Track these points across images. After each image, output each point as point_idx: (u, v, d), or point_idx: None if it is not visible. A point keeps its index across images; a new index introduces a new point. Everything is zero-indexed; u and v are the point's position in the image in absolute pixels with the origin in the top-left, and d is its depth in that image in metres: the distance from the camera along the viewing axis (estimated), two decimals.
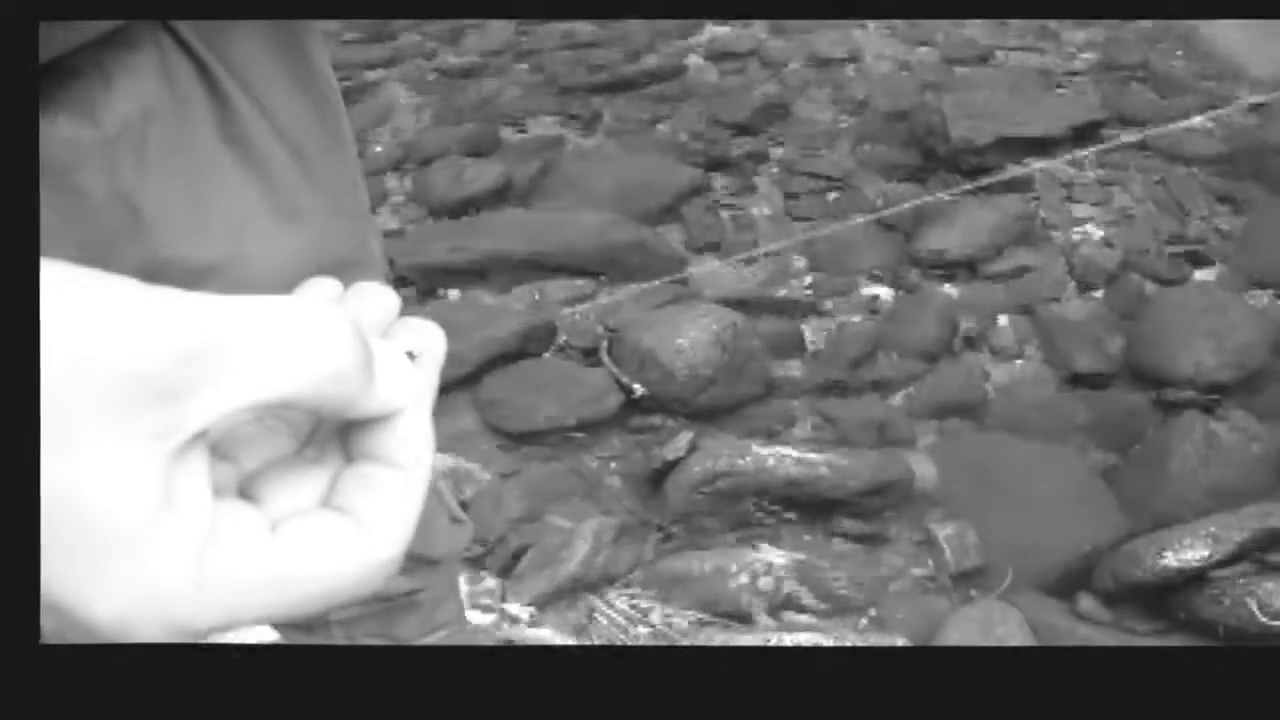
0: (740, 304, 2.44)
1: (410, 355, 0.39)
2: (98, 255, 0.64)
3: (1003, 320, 2.48)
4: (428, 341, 0.41)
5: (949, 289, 2.56)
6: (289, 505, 0.37)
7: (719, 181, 2.90)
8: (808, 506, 2.03)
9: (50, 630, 0.33)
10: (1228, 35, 3.24)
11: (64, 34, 0.60)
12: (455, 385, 2.26)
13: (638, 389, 2.25)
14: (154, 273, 0.37)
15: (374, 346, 0.36)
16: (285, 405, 0.33)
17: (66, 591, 0.31)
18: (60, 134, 0.63)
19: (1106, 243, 2.65)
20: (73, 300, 0.30)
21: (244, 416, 0.33)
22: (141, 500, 0.30)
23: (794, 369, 2.37)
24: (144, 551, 0.31)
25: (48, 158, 0.63)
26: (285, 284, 0.40)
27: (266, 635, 1.33)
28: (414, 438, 0.38)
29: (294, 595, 0.34)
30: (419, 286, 2.58)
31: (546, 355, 2.39)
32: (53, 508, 0.30)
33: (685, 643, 1.80)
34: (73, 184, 0.65)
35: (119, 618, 0.31)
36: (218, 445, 0.36)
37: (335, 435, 0.39)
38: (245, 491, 0.37)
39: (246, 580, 0.33)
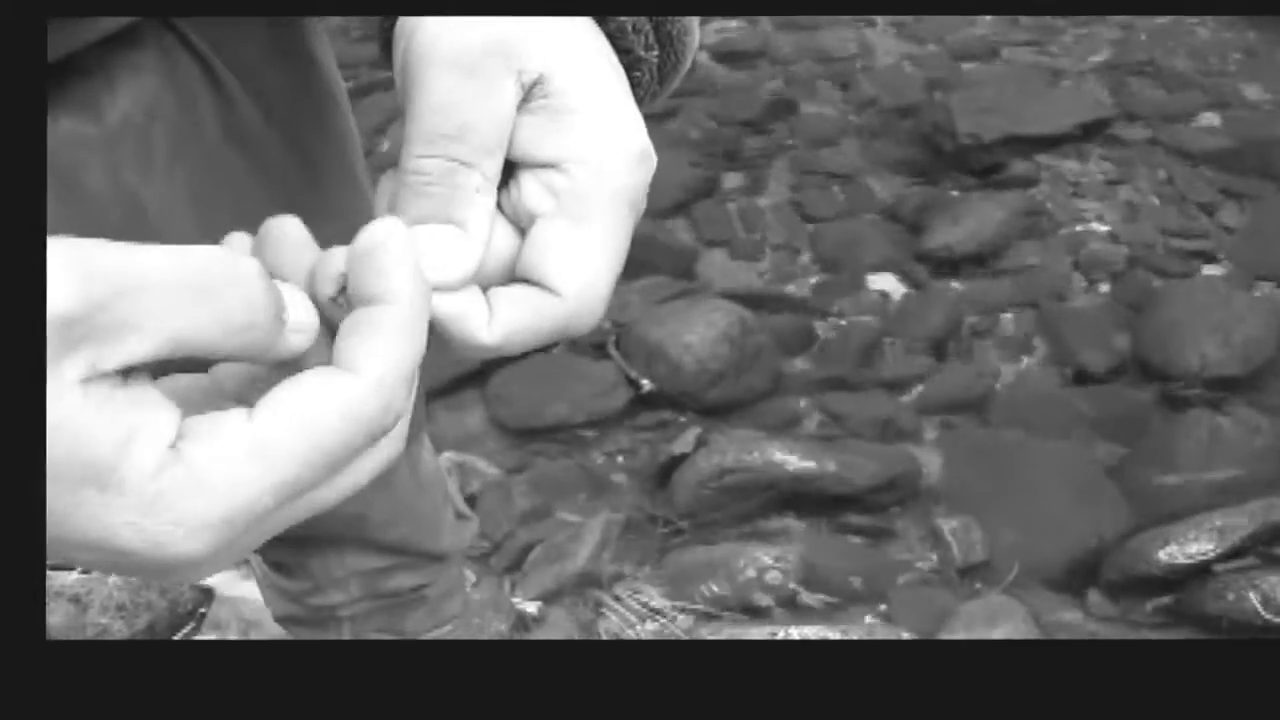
0: (748, 300, 2.44)
1: (342, 288, 0.39)
2: None
3: (1009, 315, 2.47)
4: (359, 252, 0.39)
5: (955, 284, 2.55)
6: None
7: (728, 178, 2.90)
8: (815, 501, 2.03)
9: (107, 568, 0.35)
10: None
11: (70, 34, 0.59)
12: (462, 381, 2.26)
13: (645, 384, 2.25)
14: None
15: (286, 292, 0.37)
16: (201, 351, 0.34)
17: (94, 535, 0.32)
18: (63, 132, 0.63)
19: (1113, 238, 2.64)
20: None
21: (165, 356, 0.34)
22: (97, 437, 0.32)
23: (802, 365, 2.37)
24: (125, 478, 0.32)
25: (51, 156, 0.62)
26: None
27: (274, 632, 1.33)
28: (397, 274, 0.37)
29: (288, 454, 0.35)
30: None
31: (554, 350, 2.38)
32: (52, 463, 0.31)
33: (693, 637, 1.80)
34: (76, 183, 0.65)
35: (150, 539, 0.33)
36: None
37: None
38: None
39: (231, 455, 0.34)
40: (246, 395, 0.38)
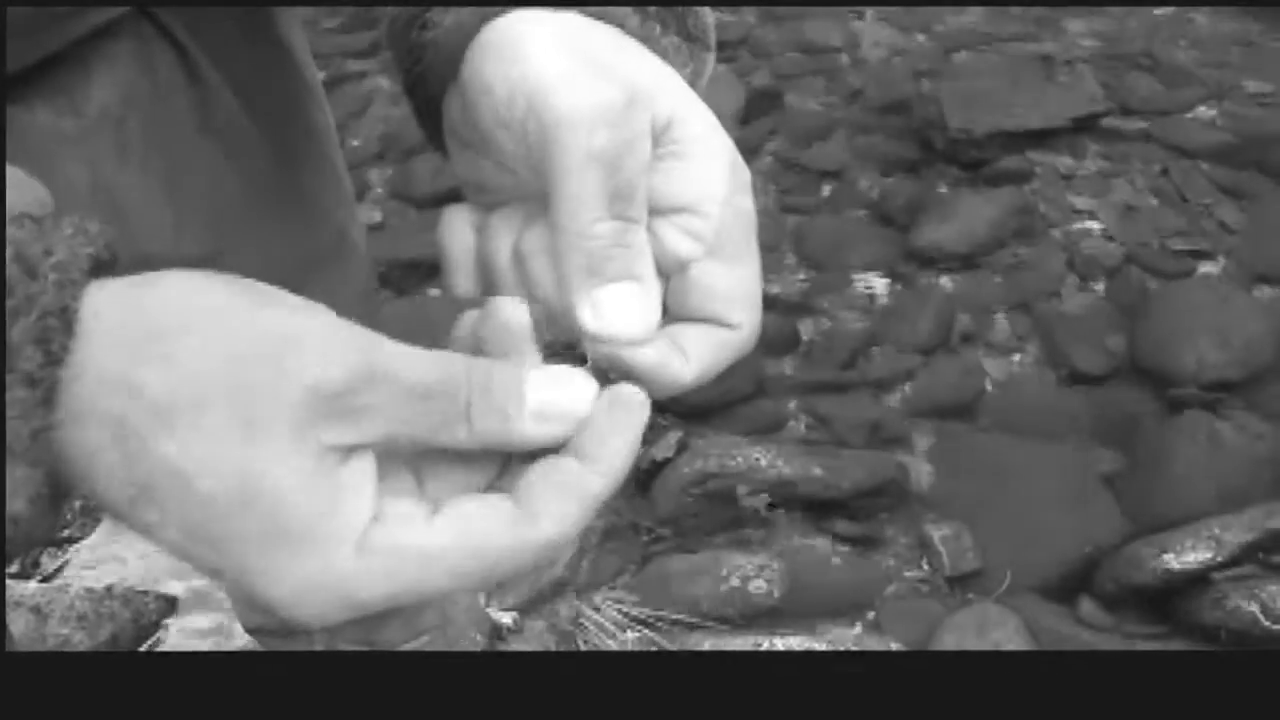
0: None
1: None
2: None
3: (1000, 316, 2.46)
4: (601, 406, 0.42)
5: (945, 283, 2.54)
6: (457, 486, 0.41)
7: None
8: (800, 508, 2.01)
9: (240, 614, 0.46)
10: None
11: (57, 33, 0.61)
12: None
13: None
14: (137, 268, 0.39)
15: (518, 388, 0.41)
16: (413, 436, 0.38)
17: (251, 574, 0.37)
18: (39, 123, 0.63)
19: (1107, 236, 2.63)
20: (279, 316, 0.37)
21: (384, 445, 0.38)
22: (315, 498, 0.36)
23: (786, 366, 2.35)
24: (316, 538, 0.37)
25: (28, 148, 0.61)
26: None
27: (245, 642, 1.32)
28: (614, 441, 0.41)
29: (449, 568, 0.38)
30: (400, 282, 2.56)
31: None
32: (235, 498, 0.36)
33: (674, 648, 1.79)
34: (53, 176, 0.63)
35: (296, 596, 0.37)
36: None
37: None
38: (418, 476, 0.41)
39: (402, 552, 0.38)
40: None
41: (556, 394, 0.41)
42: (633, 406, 0.42)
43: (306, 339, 0.36)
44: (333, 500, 0.37)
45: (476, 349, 0.43)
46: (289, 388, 0.35)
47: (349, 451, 0.37)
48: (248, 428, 0.35)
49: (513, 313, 0.43)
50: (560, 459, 0.40)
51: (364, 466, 0.38)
